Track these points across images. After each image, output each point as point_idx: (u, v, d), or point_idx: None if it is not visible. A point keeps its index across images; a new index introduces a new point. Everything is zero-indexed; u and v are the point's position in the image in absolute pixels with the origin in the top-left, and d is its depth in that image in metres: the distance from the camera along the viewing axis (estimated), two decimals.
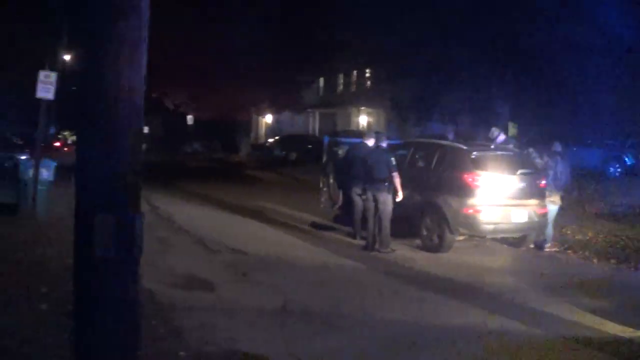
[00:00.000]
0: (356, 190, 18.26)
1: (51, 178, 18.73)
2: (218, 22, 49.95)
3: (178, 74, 54.66)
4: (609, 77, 25.29)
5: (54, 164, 19.06)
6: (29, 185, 18.14)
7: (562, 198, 18.22)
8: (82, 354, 4.64)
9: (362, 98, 56.00)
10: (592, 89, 25.97)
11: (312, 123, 70.31)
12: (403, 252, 17.03)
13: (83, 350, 4.61)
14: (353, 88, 61.37)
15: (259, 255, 15.85)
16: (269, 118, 75.92)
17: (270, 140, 66.28)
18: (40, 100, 18.88)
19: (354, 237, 18.59)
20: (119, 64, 4.47)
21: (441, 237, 17.02)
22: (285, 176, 42.36)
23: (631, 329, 10.46)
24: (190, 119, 68.43)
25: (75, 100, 4.85)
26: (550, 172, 17.75)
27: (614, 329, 10.56)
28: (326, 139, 26.28)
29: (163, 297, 11.25)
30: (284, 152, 55.66)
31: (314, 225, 21.03)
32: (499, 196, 16.94)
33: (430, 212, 17.48)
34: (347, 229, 19.45)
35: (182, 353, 8.44)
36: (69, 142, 77.11)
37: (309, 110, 68.21)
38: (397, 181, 16.93)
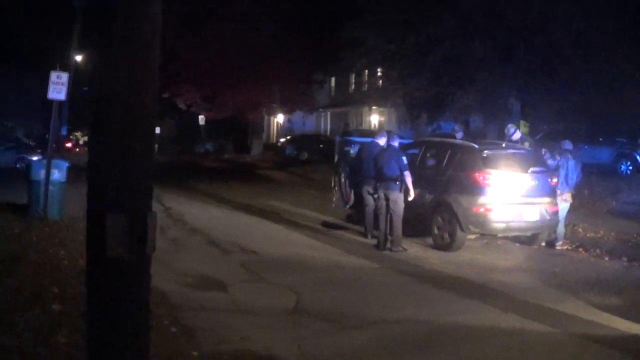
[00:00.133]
0: (368, 189, 18.30)
1: (63, 179, 18.75)
2: (229, 22, 49.86)
3: (190, 75, 54.63)
4: (621, 76, 25.20)
5: (66, 165, 19.09)
6: (40, 186, 18.17)
7: (573, 196, 18.21)
8: (95, 354, 4.66)
9: (373, 97, 55.76)
10: (604, 87, 25.89)
11: (324, 123, 70.34)
12: (415, 251, 17.05)
13: (96, 350, 4.63)
14: (364, 87, 61.19)
15: (271, 255, 15.89)
16: (280, 118, 75.97)
17: (282, 140, 66.30)
18: (51, 101, 18.90)
19: (365, 236, 18.62)
20: (131, 65, 4.47)
21: (452, 236, 17.02)
22: (297, 176, 42.32)
23: None
24: (201, 119, 68.34)
25: (87, 100, 4.86)
26: (562, 171, 17.75)
27: (626, 326, 10.54)
28: (338, 139, 26.34)
29: (176, 297, 11.26)
30: (295, 152, 55.70)
31: (326, 224, 21.06)
32: (510, 194, 16.95)
33: (441, 210, 17.49)
34: (359, 228, 19.49)
35: (194, 353, 8.45)
36: (81, 142, 77.47)
37: (321, 110, 68.24)
38: (409, 180, 16.95)
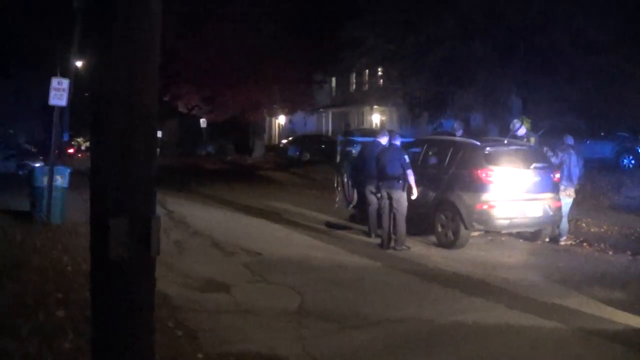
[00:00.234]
0: (370, 189, 18.30)
1: (65, 185, 18.77)
2: (229, 22, 49.81)
3: (190, 75, 54.61)
4: (621, 75, 25.21)
5: (68, 171, 19.12)
6: (43, 192, 18.18)
7: (576, 191, 18.21)
8: (99, 358, 4.66)
9: (374, 96, 55.85)
10: (605, 83, 25.88)
11: (325, 123, 70.38)
12: (418, 249, 17.05)
13: (100, 354, 4.63)
14: (365, 87, 61.25)
15: (274, 256, 15.89)
16: (281, 119, 76.08)
17: (284, 141, 66.35)
18: (52, 105, 18.91)
19: (369, 235, 18.61)
20: (131, 65, 4.48)
21: (456, 234, 17.03)
22: (299, 176, 42.32)
23: None
24: (203, 121, 68.32)
25: (89, 105, 4.86)
26: (565, 166, 17.75)
27: (631, 320, 10.54)
28: (340, 139, 26.33)
29: (179, 299, 11.28)
30: (297, 153, 55.75)
31: (329, 224, 21.07)
32: (513, 191, 16.95)
33: (444, 208, 17.49)
34: (362, 227, 19.48)
35: (199, 355, 8.46)
36: (83, 148, 77.45)
37: (322, 110, 68.26)
38: (411, 179, 16.94)
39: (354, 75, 63.61)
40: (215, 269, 14.16)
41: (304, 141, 58.65)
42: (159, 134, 44.71)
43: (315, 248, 17.19)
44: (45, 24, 47.30)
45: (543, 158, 17.88)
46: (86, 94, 39.41)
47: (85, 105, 29.59)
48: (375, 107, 59.22)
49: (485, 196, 16.74)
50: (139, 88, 4.51)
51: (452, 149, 18.30)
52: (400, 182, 16.91)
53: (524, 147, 18.41)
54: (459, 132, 20.44)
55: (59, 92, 18.60)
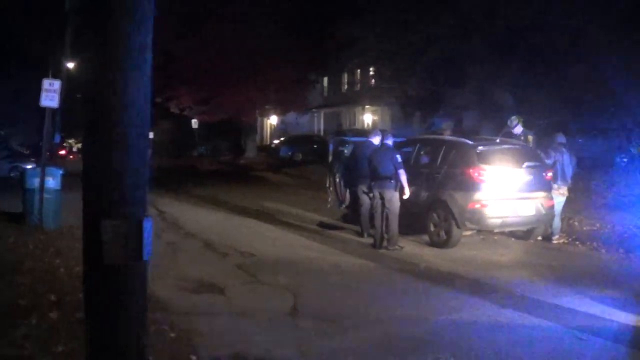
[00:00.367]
0: (362, 189, 18.31)
1: (58, 186, 18.73)
2: (229, 22, 49.69)
3: (182, 78, 54.52)
4: (615, 74, 25.25)
5: (60, 172, 19.07)
6: (35, 194, 18.15)
7: (569, 189, 18.23)
8: None
9: (366, 96, 55.94)
10: (598, 82, 25.93)
11: (317, 123, 70.37)
12: (411, 248, 17.06)
13: (95, 357, 4.62)
14: (357, 87, 61.33)
15: (268, 257, 15.88)
16: (273, 119, 76.02)
17: (276, 141, 66.35)
18: (44, 108, 18.89)
19: (361, 235, 18.64)
20: (124, 67, 4.46)
21: (448, 233, 17.05)
22: (292, 177, 42.36)
23: None
24: (195, 122, 68.21)
25: (81, 106, 4.84)
26: (558, 165, 17.78)
27: (625, 318, 10.54)
28: (331, 139, 26.29)
29: (173, 302, 11.27)
30: (289, 153, 55.78)
31: (322, 225, 21.08)
32: (506, 190, 16.97)
33: (437, 208, 17.50)
34: (355, 227, 19.49)
35: (193, 357, 8.44)
36: (74, 150, 77.36)
37: (314, 110, 68.23)
38: (404, 178, 16.95)
39: (345, 75, 63.66)
40: (209, 271, 14.13)
41: (296, 141, 58.70)
42: (151, 134, 44.67)
43: (308, 248, 17.19)
44: (37, 26, 47.26)
45: (535, 157, 17.89)
46: (78, 96, 39.38)
47: (77, 107, 29.58)
48: (368, 106, 59.27)
49: (477, 195, 16.74)
50: (131, 88, 4.50)
51: (444, 148, 18.32)
52: (392, 181, 16.91)
53: (516, 146, 18.41)
54: (447, 133, 20.45)
55: (50, 93, 18.58)
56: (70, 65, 38.50)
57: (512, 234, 18.31)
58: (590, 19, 24.52)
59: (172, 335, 9.22)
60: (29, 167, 24.93)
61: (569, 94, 26.60)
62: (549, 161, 17.88)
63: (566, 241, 17.87)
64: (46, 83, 18.62)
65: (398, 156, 17.11)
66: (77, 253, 4.70)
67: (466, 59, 27.71)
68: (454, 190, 17.14)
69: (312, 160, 47.03)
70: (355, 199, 19.24)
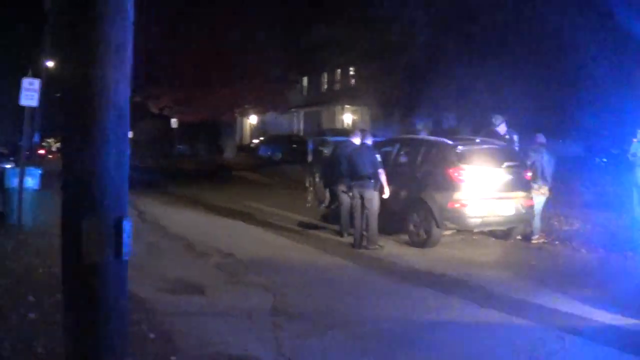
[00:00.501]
0: (342, 188, 18.30)
1: (36, 186, 18.67)
2: (198, 24, 49.64)
3: (161, 78, 54.35)
4: (595, 71, 25.38)
5: (38, 172, 19.01)
6: (14, 194, 18.06)
7: (550, 190, 18.27)
8: None
9: (346, 96, 56.03)
10: (579, 83, 26.07)
11: (297, 123, 70.33)
12: (391, 248, 17.08)
13: (74, 358, 4.59)
14: (337, 86, 61.40)
15: (248, 256, 15.83)
16: (253, 119, 75.89)
17: (255, 141, 66.31)
18: (23, 108, 18.81)
19: (341, 235, 18.63)
20: (104, 67, 4.45)
21: (428, 232, 17.05)
22: (271, 177, 42.34)
23: (622, 317, 10.50)
24: (174, 122, 68.00)
25: (60, 105, 4.81)
26: (538, 165, 17.82)
27: (605, 317, 10.56)
28: (311, 139, 26.33)
29: (152, 302, 11.22)
30: (269, 153, 55.75)
31: (302, 224, 21.07)
32: (485, 189, 17.00)
33: (416, 207, 17.51)
34: (334, 227, 19.48)
35: (173, 358, 8.42)
36: (53, 149, 77.13)
37: (294, 110, 68.16)
38: (383, 178, 16.99)
39: (325, 74, 63.68)
40: (189, 271, 14.12)
41: (275, 141, 58.66)
42: (130, 134, 44.51)
43: (288, 248, 17.20)
44: (15, 27, 47.17)
45: (515, 157, 17.93)
46: (57, 95, 39.27)
47: (57, 106, 29.48)
48: (347, 106, 59.32)
49: (457, 195, 16.77)
50: (111, 87, 4.48)
51: (424, 148, 18.37)
52: (372, 181, 16.94)
53: (495, 146, 18.45)
54: (422, 134, 20.48)
55: (30, 93, 18.50)
56: (50, 64, 38.43)
57: (491, 234, 18.33)
58: (570, 19, 24.60)
59: (152, 335, 9.19)
60: (7, 166, 24.85)
61: (548, 95, 26.67)
62: (528, 161, 17.93)
63: (545, 241, 17.89)
64: (26, 82, 18.53)
65: (378, 156, 17.14)
66: (55, 253, 4.67)
67: (444, 59, 27.75)
68: (434, 190, 17.16)
69: (292, 160, 46.99)
70: (334, 198, 19.24)
